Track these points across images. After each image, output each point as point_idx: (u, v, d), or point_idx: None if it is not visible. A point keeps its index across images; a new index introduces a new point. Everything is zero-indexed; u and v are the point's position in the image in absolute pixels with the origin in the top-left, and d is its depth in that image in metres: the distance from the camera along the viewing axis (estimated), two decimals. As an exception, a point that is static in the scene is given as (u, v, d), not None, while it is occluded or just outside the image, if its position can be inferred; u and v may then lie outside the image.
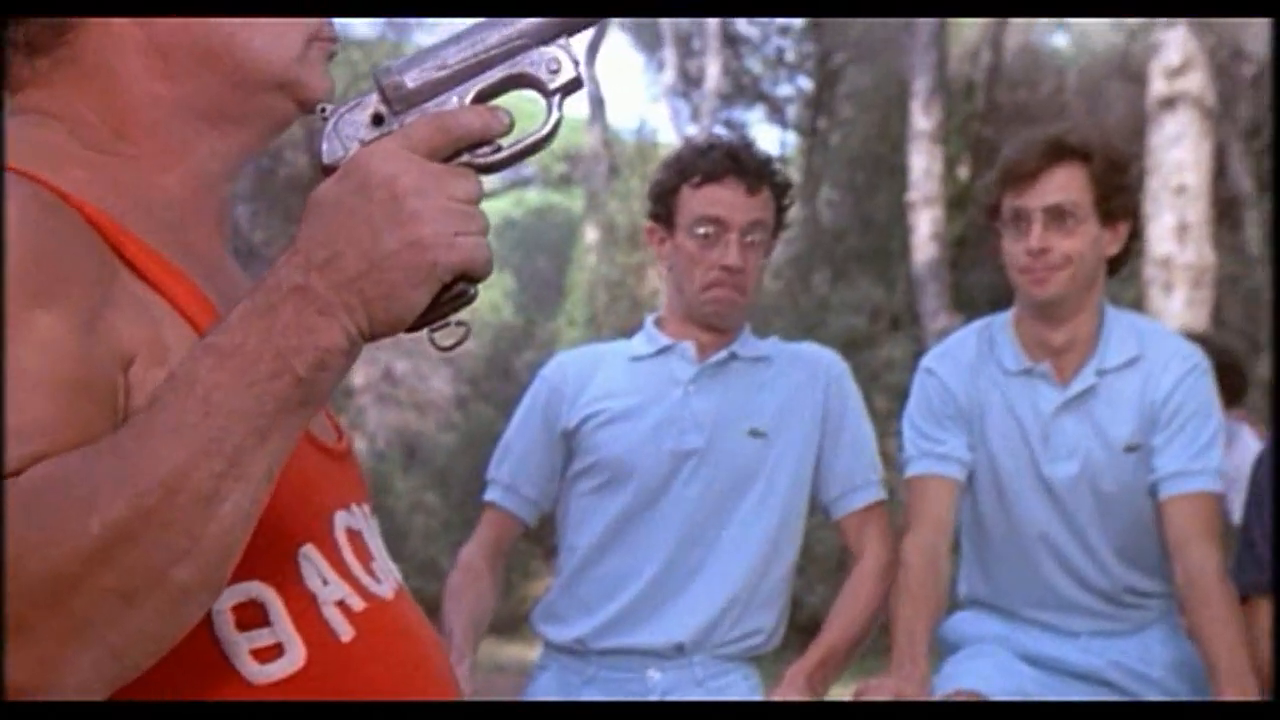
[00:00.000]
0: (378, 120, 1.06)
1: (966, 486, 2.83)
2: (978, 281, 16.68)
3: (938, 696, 2.61)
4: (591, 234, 19.92)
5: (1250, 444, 4.60)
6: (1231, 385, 4.44)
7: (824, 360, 2.95)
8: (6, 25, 1.14)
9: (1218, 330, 15.19)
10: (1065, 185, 2.71)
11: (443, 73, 1.05)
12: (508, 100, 1.08)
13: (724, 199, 2.78)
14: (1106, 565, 2.80)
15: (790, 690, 2.53)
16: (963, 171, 16.21)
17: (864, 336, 14.49)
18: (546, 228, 30.18)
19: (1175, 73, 10.96)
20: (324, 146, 1.06)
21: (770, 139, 21.91)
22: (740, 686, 2.80)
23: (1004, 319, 2.88)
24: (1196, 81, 10.99)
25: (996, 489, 2.82)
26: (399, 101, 1.05)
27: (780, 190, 2.88)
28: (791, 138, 22.91)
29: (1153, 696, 2.77)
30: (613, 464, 2.82)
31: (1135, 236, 2.81)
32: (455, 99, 1.05)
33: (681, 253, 2.82)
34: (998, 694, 2.62)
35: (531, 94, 1.08)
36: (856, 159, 17.70)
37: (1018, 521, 2.81)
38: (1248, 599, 2.75)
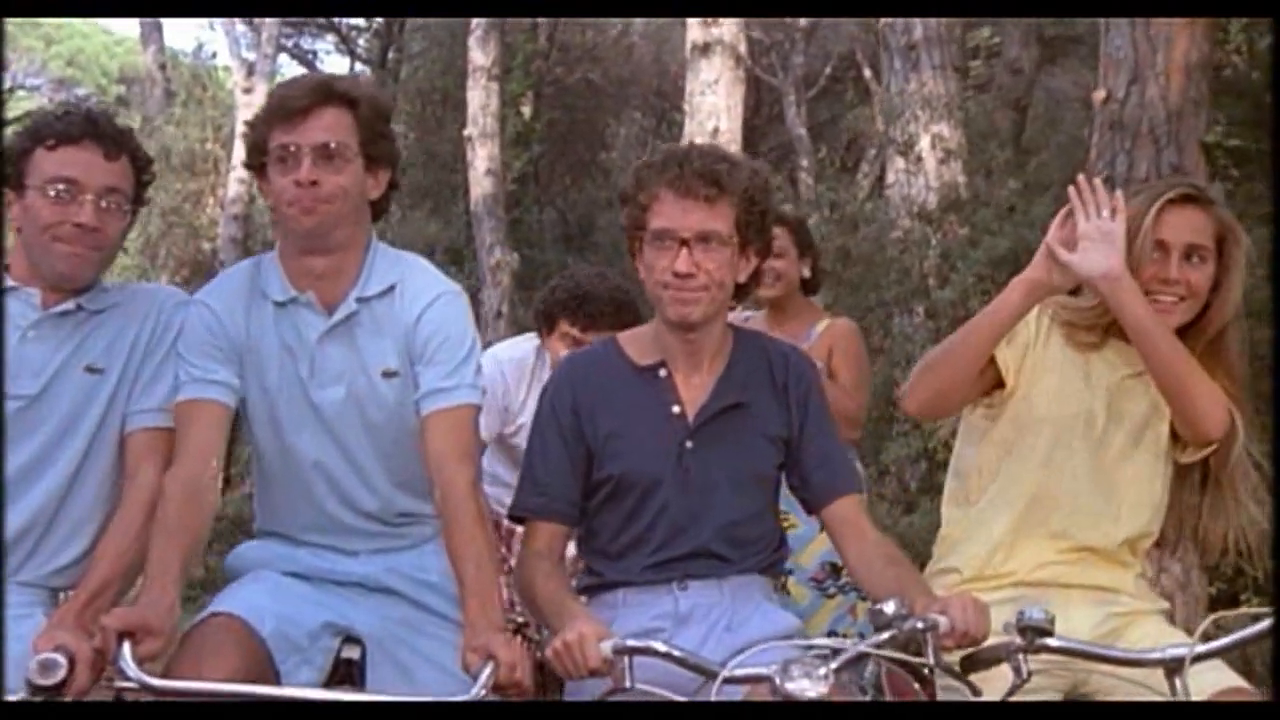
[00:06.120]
0: None
1: (235, 415, 2.91)
2: (542, 218, 16.96)
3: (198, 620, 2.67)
4: (146, 159, 19.19)
5: None
6: (625, 323, 4.75)
7: (159, 296, 3.03)
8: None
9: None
10: (333, 126, 2.85)
11: None
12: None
13: (80, 160, 2.86)
14: (379, 489, 2.95)
15: (60, 630, 2.46)
16: (526, 109, 16.40)
17: (423, 270, 14.52)
18: (103, 152, 28.84)
19: (710, 20, 11.37)
20: None
21: (340, 69, 21.59)
22: (37, 618, 2.77)
23: (273, 253, 2.99)
24: (730, 30, 11.44)
25: (272, 419, 2.93)
26: None
27: (141, 164, 2.96)
28: (362, 69, 22.62)
29: (431, 599, 2.93)
30: None
31: (394, 187, 2.99)
32: None
33: (31, 212, 2.86)
34: (264, 617, 2.70)
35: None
36: (424, 93, 17.69)
37: (292, 449, 2.93)
38: (523, 520, 2.92)
